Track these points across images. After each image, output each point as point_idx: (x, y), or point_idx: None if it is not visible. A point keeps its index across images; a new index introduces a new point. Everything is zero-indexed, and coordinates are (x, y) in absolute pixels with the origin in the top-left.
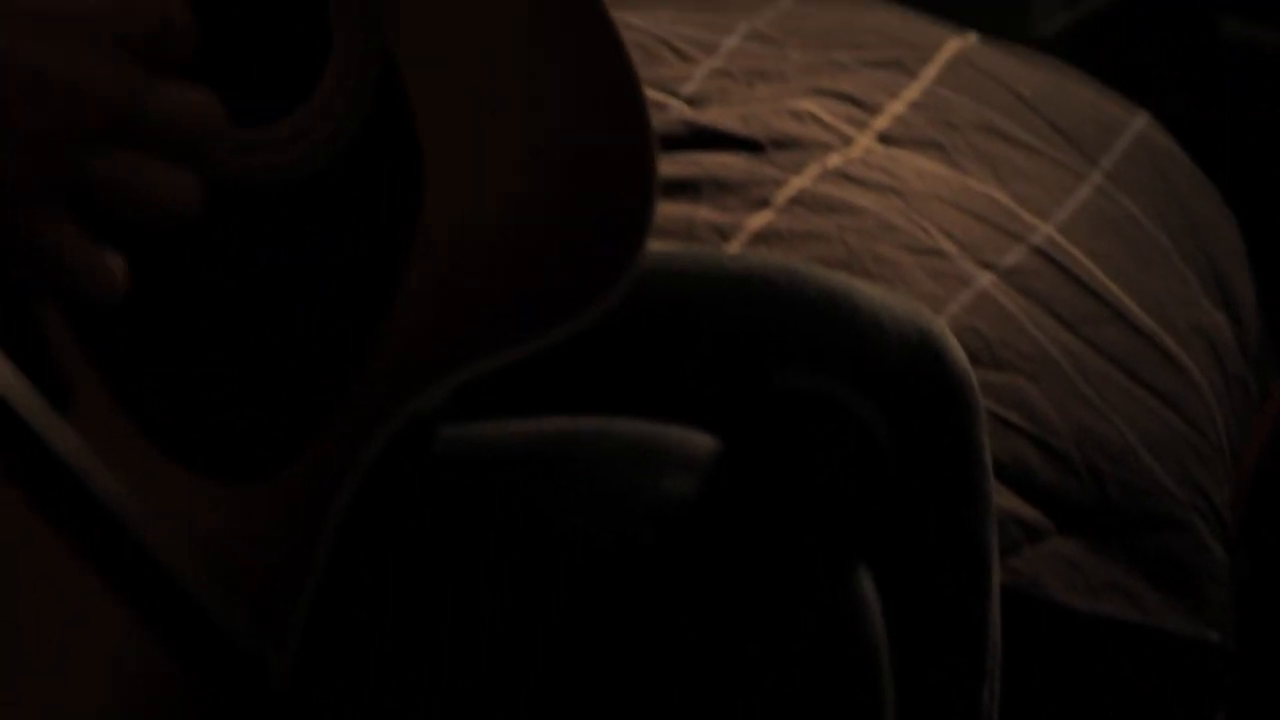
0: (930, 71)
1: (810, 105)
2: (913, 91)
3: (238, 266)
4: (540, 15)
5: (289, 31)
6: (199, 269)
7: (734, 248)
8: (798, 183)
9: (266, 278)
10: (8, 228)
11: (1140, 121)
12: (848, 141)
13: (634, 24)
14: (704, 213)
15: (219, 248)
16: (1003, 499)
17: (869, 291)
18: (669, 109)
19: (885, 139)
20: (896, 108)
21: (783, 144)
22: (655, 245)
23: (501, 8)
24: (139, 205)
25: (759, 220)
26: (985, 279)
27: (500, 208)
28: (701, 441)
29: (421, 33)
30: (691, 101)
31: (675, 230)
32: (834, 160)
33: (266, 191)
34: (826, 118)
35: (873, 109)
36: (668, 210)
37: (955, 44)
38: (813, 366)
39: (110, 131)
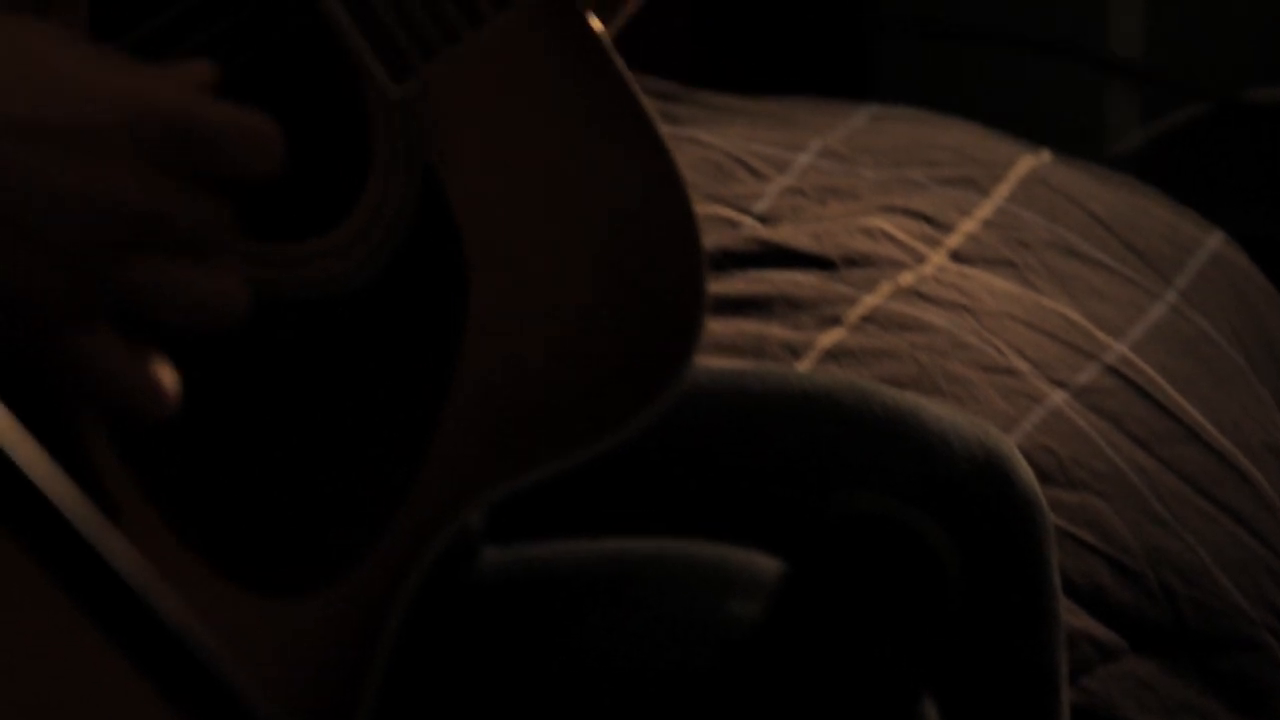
0: (1003, 189)
1: (883, 223)
2: (985, 209)
3: (283, 376)
4: (586, 125)
5: (329, 145)
6: (244, 379)
7: (805, 365)
8: (870, 301)
9: (314, 388)
10: (49, 346)
11: (1215, 240)
12: (920, 259)
13: (706, 140)
14: (775, 330)
15: (264, 358)
16: (1075, 618)
17: (937, 410)
18: (741, 226)
19: (958, 257)
20: (969, 226)
21: (855, 262)
22: (726, 363)
23: (546, 115)
24: (180, 313)
25: (830, 338)
26: (1058, 397)
27: (548, 315)
28: (765, 565)
29: (464, 144)
30: (764, 219)
31: (746, 348)
32: (906, 278)
33: (312, 303)
34: (899, 235)
35: (945, 227)
36: (739, 327)
37: (1028, 162)
38: (879, 487)
39: (142, 242)
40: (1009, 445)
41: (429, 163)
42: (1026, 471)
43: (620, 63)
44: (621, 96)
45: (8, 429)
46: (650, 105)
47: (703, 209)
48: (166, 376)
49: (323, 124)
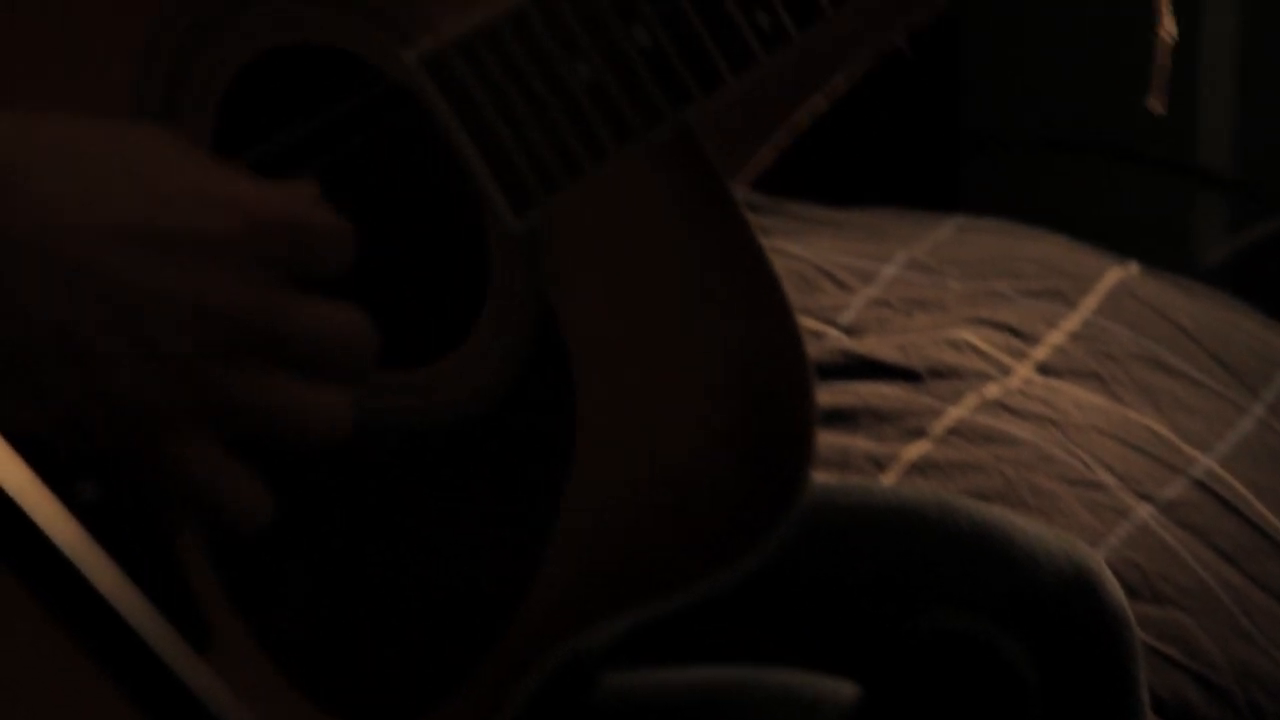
0: (1090, 302)
1: (969, 335)
2: (1072, 322)
3: (386, 500)
4: (702, 262)
5: (446, 272)
6: (345, 499)
7: (890, 478)
8: (955, 413)
9: (416, 514)
10: (146, 454)
11: None
12: (1006, 372)
13: (792, 252)
14: (860, 443)
15: (367, 480)
16: None
17: (1023, 525)
18: (826, 338)
19: (1044, 369)
20: (1056, 338)
21: (941, 374)
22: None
23: (663, 251)
24: (283, 428)
25: (915, 451)
26: (1144, 512)
27: (658, 450)
28: (851, 691)
29: (580, 277)
30: (850, 331)
31: (831, 460)
32: (992, 391)
33: (419, 430)
34: (985, 348)
35: (1032, 339)
36: (823, 440)
37: (1116, 274)
38: (964, 604)
39: (251, 353)
40: (1096, 560)
41: (545, 295)
42: (1114, 586)
43: (739, 201)
44: (739, 235)
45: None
46: (763, 243)
47: None
48: (262, 490)
49: (441, 251)
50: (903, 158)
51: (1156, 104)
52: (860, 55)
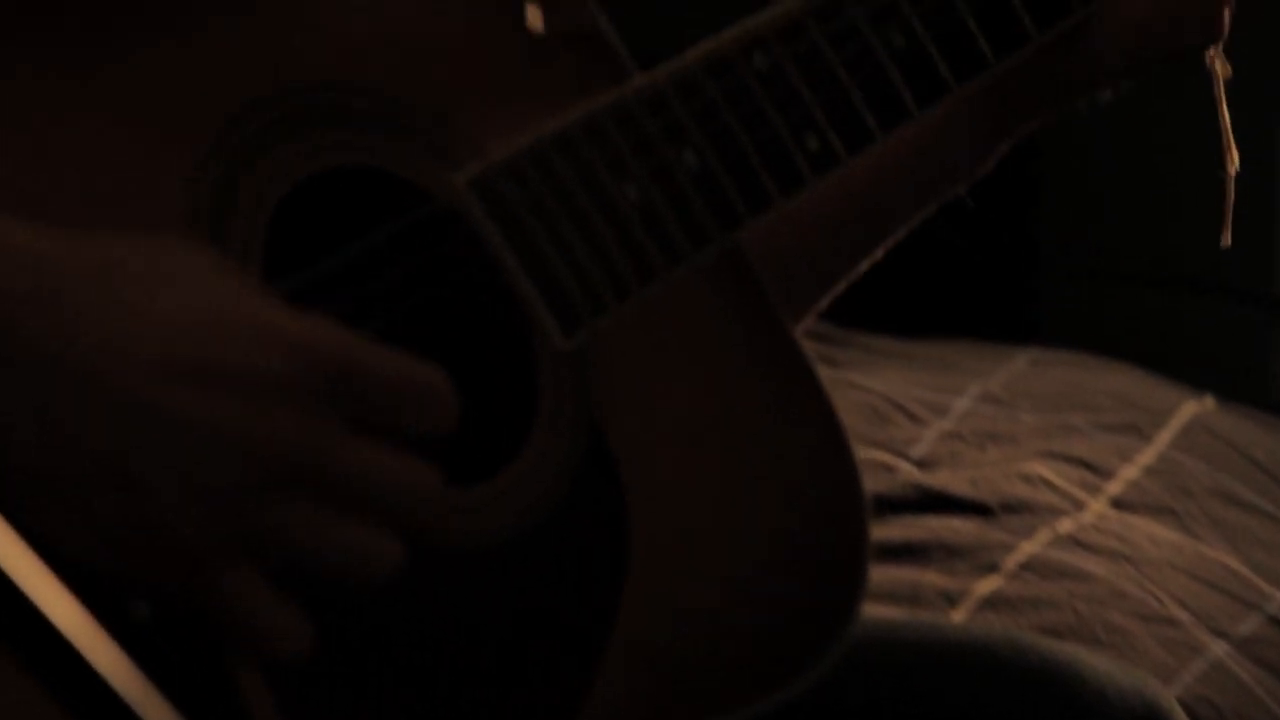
0: (1165, 436)
1: (1042, 469)
2: (1147, 456)
3: (432, 623)
4: (754, 385)
5: (495, 393)
6: (394, 619)
7: (961, 614)
8: (1027, 548)
9: (464, 637)
10: (191, 586)
11: None
12: (1080, 506)
13: (864, 384)
14: (931, 577)
15: (414, 603)
16: None
17: (1094, 662)
18: (898, 471)
19: (1118, 504)
20: (1130, 472)
21: (1013, 508)
22: (881, 611)
23: (714, 373)
24: (329, 563)
25: (987, 586)
26: (1219, 648)
27: (710, 574)
28: None
29: (630, 398)
30: (921, 464)
31: (902, 595)
32: (1065, 525)
33: (467, 552)
34: (1058, 482)
35: (1106, 473)
36: (894, 574)
37: (1191, 408)
38: None
39: (297, 490)
40: (1168, 698)
41: (594, 415)
42: None
43: (791, 326)
44: (790, 359)
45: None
46: (819, 368)
47: (860, 454)
48: (302, 621)
49: (489, 372)
50: (980, 288)
51: (1225, 237)
52: (917, 209)
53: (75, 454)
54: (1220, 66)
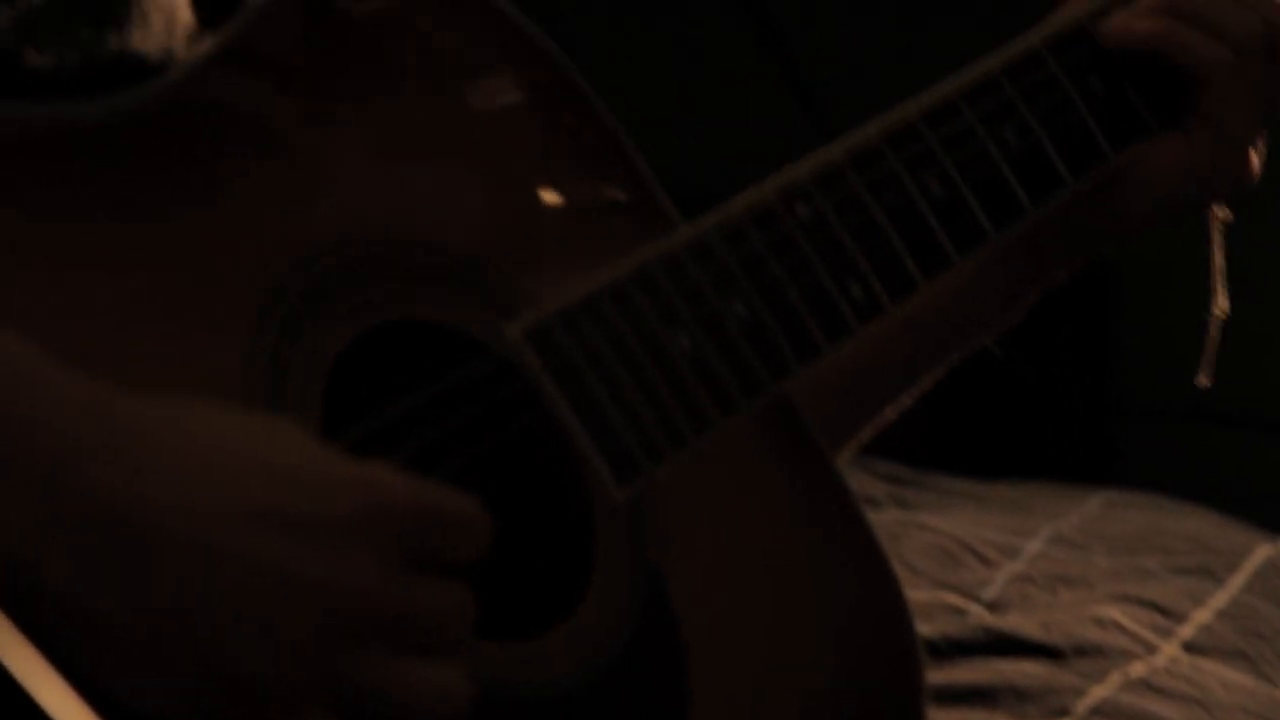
0: (1239, 579)
1: (1114, 612)
2: (1220, 599)
3: None
4: (805, 530)
5: (552, 544)
6: None
7: None
8: (1099, 692)
9: None
10: None
11: None
12: (1152, 650)
13: (935, 526)
14: None
15: None
16: None
17: None
18: (968, 614)
19: (1190, 648)
20: (1203, 616)
21: (1084, 651)
22: None
23: (767, 518)
24: (400, 709)
25: None
26: None
27: (767, 717)
28: None
29: (687, 545)
30: (992, 606)
31: None
32: (1137, 669)
33: (529, 701)
34: (1130, 625)
35: (1178, 617)
36: (964, 717)
37: (1265, 551)
38: None
39: (374, 636)
40: None
41: (651, 562)
42: None
43: (839, 470)
44: (840, 503)
45: None
46: (865, 511)
47: (930, 596)
48: None
49: (546, 523)
50: (1057, 430)
51: (1203, 378)
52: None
53: (151, 605)
54: (1220, 210)
